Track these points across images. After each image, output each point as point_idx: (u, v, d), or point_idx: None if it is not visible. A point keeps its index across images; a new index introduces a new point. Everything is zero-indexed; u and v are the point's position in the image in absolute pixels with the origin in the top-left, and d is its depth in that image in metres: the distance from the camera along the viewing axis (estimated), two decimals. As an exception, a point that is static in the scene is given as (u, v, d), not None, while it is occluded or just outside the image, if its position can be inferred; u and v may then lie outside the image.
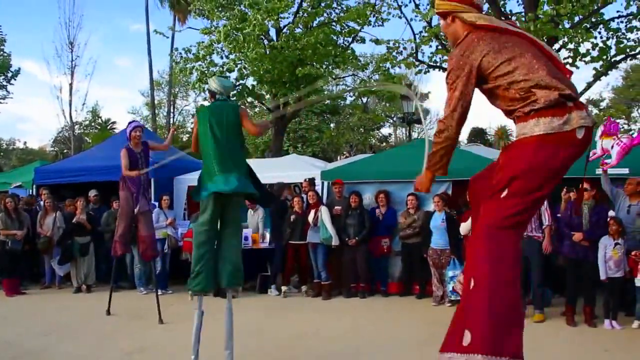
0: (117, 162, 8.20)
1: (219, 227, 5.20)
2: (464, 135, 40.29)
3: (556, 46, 12.26)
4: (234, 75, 17.53)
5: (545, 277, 7.78)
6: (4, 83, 28.04)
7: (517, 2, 13.88)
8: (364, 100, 35.46)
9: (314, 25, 17.22)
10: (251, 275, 10.14)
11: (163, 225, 10.04)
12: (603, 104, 35.69)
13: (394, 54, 14.96)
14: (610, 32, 13.31)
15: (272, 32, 17.44)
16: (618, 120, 34.04)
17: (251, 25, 15.19)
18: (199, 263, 5.03)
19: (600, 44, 13.22)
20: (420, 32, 14.72)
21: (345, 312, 8.39)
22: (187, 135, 38.96)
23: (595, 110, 33.59)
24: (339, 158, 31.40)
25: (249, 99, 19.67)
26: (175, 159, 9.00)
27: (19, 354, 6.32)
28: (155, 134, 20.44)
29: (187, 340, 5.15)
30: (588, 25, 12.83)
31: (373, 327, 7.44)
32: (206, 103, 5.55)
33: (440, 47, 14.41)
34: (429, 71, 15.25)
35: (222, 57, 17.37)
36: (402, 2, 14.99)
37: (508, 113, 3.18)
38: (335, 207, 9.64)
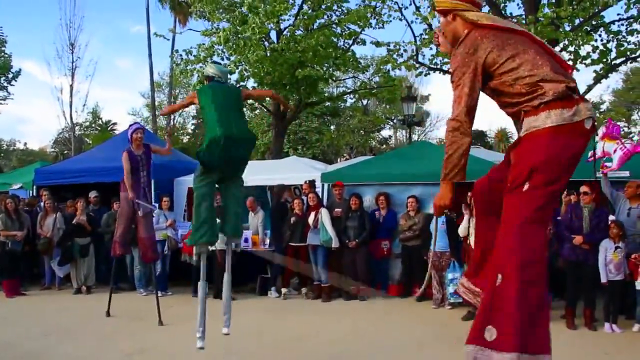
0: (117, 164, 8.20)
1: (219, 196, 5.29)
2: (463, 138, 40.26)
3: (556, 49, 12.25)
4: (234, 77, 17.55)
5: (545, 279, 7.76)
6: (5, 84, 28.05)
7: (518, 4, 13.90)
8: (364, 102, 35.47)
9: (315, 27, 17.23)
10: (251, 277, 10.15)
11: (163, 226, 10.04)
12: (603, 107, 35.73)
13: (394, 56, 15.00)
14: (611, 35, 13.34)
15: (273, 34, 17.45)
16: (618, 123, 34.17)
17: (250, 28, 15.19)
18: (201, 215, 5.01)
19: (601, 47, 13.25)
20: (421, 34, 14.77)
21: (345, 314, 8.39)
22: (188, 137, 39.05)
23: (595, 113, 33.57)
24: (339, 160, 31.41)
25: (249, 101, 19.67)
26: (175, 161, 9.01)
27: (18, 355, 6.32)
28: (155, 135, 20.41)
29: (187, 341, 5.16)
30: (588, 28, 12.86)
31: (373, 330, 7.44)
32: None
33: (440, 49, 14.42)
34: (429, 73, 15.29)
35: (222, 59, 17.36)
36: (402, 5, 15.06)
37: (512, 107, 3.18)
38: (336, 209, 9.64)
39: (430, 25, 14.24)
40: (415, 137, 28.68)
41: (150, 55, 29.82)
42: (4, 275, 10.07)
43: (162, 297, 8.35)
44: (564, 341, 6.79)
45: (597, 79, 13.49)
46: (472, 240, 7.87)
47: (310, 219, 9.46)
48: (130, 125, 8.34)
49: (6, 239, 10.00)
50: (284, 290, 9.69)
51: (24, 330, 7.51)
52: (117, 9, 67.10)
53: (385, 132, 42.75)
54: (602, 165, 7.60)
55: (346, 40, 18.09)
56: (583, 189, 7.40)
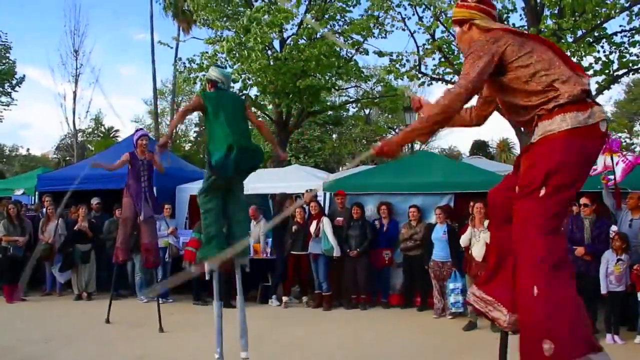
0: (119, 171, 8.25)
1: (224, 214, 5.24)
2: (465, 148, 40.40)
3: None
4: (237, 85, 17.62)
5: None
6: (9, 90, 28.14)
7: (520, 15, 13.95)
8: (367, 111, 35.53)
9: (318, 36, 17.30)
10: (252, 285, 10.13)
11: (165, 234, 10.05)
12: (605, 118, 35.65)
13: (397, 66, 15.04)
14: (613, 47, 13.39)
15: (276, 44, 17.53)
16: (620, 134, 34.18)
17: (253, 38, 15.25)
18: (210, 229, 5.04)
19: (603, 58, 13.29)
20: (424, 44, 14.82)
21: (346, 323, 8.37)
22: (189, 144, 39.11)
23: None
24: (341, 169, 31.42)
25: (252, 109, 19.74)
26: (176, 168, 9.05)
27: (19, 361, 6.32)
28: (156, 141, 20.46)
29: (188, 348, 5.17)
30: (591, 40, 12.91)
31: (374, 339, 7.42)
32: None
33: (443, 59, 14.49)
34: (432, 83, 15.32)
35: (226, 67, 17.41)
36: (405, 15, 15.09)
37: (525, 113, 3.17)
38: (337, 218, 9.64)
39: (432, 35, 14.30)
40: (417, 147, 28.66)
41: (153, 62, 29.92)
42: (4, 281, 10.07)
43: (162, 304, 8.34)
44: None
45: (600, 90, 13.52)
46: (473, 250, 7.89)
47: (312, 228, 9.46)
48: (136, 131, 8.42)
49: (8, 244, 10.01)
50: (285, 298, 9.68)
51: (24, 335, 7.49)
52: (121, 17, 67.44)
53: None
54: (605, 178, 7.61)
55: (349, 50, 18.16)
56: (583, 200, 7.40)
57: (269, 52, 16.95)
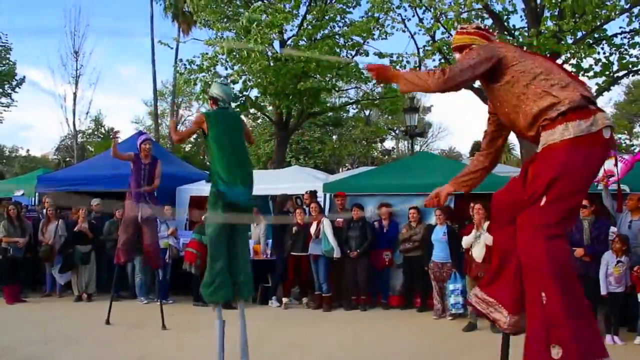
0: (119, 172, 8.28)
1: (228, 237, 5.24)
2: (465, 149, 40.42)
3: (559, 61, 12.32)
4: (238, 86, 17.62)
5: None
6: (9, 91, 28.14)
7: (521, 17, 13.94)
8: (367, 113, 35.54)
9: (318, 38, 17.30)
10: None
11: (165, 235, 10.06)
12: (605, 120, 35.66)
13: (397, 67, 15.03)
14: (613, 48, 13.38)
15: (276, 45, 17.53)
16: (620, 136, 34.19)
17: (253, 40, 15.25)
18: (218, 273, 5.03)
19: (603, 60, 13.29)
20: (424, 46, 14.82)
21: (345, 324, 8.37)
22: (190, 145, 39.07)
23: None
24: (341, 170, 31.42)
25: (252, 110, 19.73)
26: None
27: (19, 362, 6.32)
28: (158, 143, 20.46)
29: (189, 348, 5.15)
30: (591, 41, 12.90)
31: (374, 340, 7.42)
32: (203, 109, 5.60)
33: (443, 60, 14.48)
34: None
35: (226, 69, 17.45)
36: (405, 17, 15.08)
37: (530, 126, 3.18)
38: (337, 220, 9.64)
39: (432, 37, 14.30)
40: (417, 148, 28.71)
41: (153, 63, 29.93)
42: (4, 282, 10.08)
43: (163, 305, 8.33)
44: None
45: (599, 92, 13.50)
46: (474, 251, 7.89)
47: (312, 229, 9.47)
48: (140, 135, 8.43)
49: (8, 246, 10.02)
50: (284, 299, 9.69)
51: (24, 336, 7.49)
52: (122, 18, 67.41)
53: (388, 143, 42.87)
54: (606, 182, 7.63)
55: (349, 51, 18.17)
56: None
57: (269, 53, 16.93)
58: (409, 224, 9.36)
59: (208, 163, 6.48)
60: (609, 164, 7.47)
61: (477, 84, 12.89)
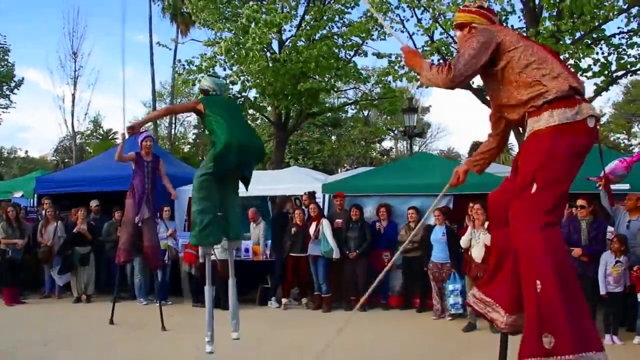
0: (118, 173, 8.28)
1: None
2: (464, 149, 40.45)
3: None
4: (236, 87, 17.63)
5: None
6: (7, 92, 28.11)
7: (519, 17, 13.96)
8: (365, 113, 35.57)
9: (317, 38, 17.31)
10: (251, 287, 10.13)
11: (164, 236, 10.04)
12: (604, 119, 35.77)
13: (395, 67, 15.05)
14: (612, 48, 13.40)
15: (275, 45, 17.53)
16: (618, 135, 34.19)
17: (251, 39, 15.26)
18: (206, 214, 4.92)
19: (602, 60, 13.30)
20: (422, 46, 14.80)
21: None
22: (188, 147, 39.10)
23: (598, 112, 33.61)
24: (339, 171, 31.42)
25: (250, 111, 19.75)
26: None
27: (18, 364, 6.32)
28: (157, 144, 20.47)
29: (188, 349, 5.15)
30: (589, 41, 12.92)
31: (373, 340, 7.42)
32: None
33: (441, 61, 14.49)
34: (430, 85, 15.29)
35: (225, 69, 17.45)
36: (404, 17, 15.08)
37: (516, 109, 3.23)
38: (337, 220, 9.65)
39: (431, 37, 14.31)
40: (416, 148, 28.72)
41: (152, 64, 30.00)
42: (3, 284, 10.07)
43: (162, 306, 8.33)
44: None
45: (598, 92, 13.52)
46: (473, 251, 7.89)
47: (311, 230, 9.47)
48: (141, 133, 8.42)
49: (7, 247, 10.01)
50: (284, 300, 9.68)
51: (23, 338, 7.50)
52: (120, 19, 67.36)
53: (386, 143, 42.90)
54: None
55: (348, 52, 18.18)
56: (580, 202, 7.40)
57: (268, 54, 16.94)
58: (407, 224, 9.36)
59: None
60: (609, 166, 7.46)
61: (477, 83, 12.92)
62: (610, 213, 7.83)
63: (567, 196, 3.35)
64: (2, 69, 27.51)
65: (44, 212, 11.00)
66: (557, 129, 3.03)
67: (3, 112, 28.82)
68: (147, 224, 8.07)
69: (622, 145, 34.61)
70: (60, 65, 29.74)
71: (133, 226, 8.07)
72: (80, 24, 31.74)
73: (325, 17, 17.16)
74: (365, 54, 17.94)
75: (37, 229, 10.56)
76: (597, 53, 13.30)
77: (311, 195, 10.12)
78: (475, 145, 36.51)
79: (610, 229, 7.60)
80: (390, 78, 16.17)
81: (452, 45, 14.08)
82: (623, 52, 13.39)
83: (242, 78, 17.37)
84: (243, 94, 18.01)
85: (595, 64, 13.27)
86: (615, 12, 12.29)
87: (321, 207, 10.03)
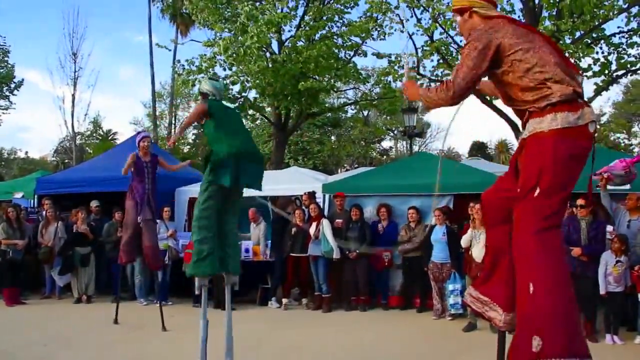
0: (118, 173, 8.27)
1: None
2: (464, 149, 40.45)
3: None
4: (236, 88, 17.62)
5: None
6: (7, 93, 28.13)
7: (519, 17, 13.95)
8: (365, 113, 35.57)
9: (316, 38, 17.31)
10: (251, 287, 10.13)
11: (164, 236, 10.05)
12: (604, 119, 35.79)
13: (395, 67, 15.06)
14: (612, 48, 13.41)
15: (275, 46, 17.53)
16: (618, 135, 34.18)
17: (250, 37, 15.25)
18: (206, 245, 4.90)
19: (602, 59, 13.31)
20: (422, 46, 14.82)
21: (345, 325, 8.37)
22: (188, 147, 39.08)
23: (598, 118, 33.62)
24: (339, 171, 31.43)
25: (251, 111, 19.75)
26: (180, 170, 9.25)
27: (18, 364, 6.32)
28: (156, 145, 20.48)
29: (188, 349, 5.15)
30: (589, 41, 12.93)
31: (373, 341, 7.42)
32: None
33: (441, 61, 14.51)
34: (430, 85, 15.30)
35: (224, 69, 17.45)
36: (404, 17, 15.07)
37: (516, 104, 3.22)
38: (337, 220, 9.64)
39: (431, 37, 14.32)
40: (415, 148, 28.72)
41: (152, 64, 30.04)
42: (4, 284, 10.07)
43: (163, 306, 8.33)
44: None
45: (598, 91, 13.54)
46: (473, 251, 7.89)
47: (312, 230, 9.47)
48: (138, 133, 8.49)
49: (7, 248, 10.01)
50: (284, 300, 9.68)
51: (23, 338, 7.49)
52: (120, 19, 67.47)
53: (386, 143, 42.91)
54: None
55: (347, 52, 18.18)
56: (579, 202, 7.40)
57: (268, 54, 16.94)
58: (407, 224, 9.36)
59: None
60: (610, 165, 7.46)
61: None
62: (610, 213, 7.83)
63: (568, 200, 3.35)
64: (2, 70, 27.56)
65: (44, 212, 11.00)
66: (559, 132, 3.01)
67: (3, 113, 28.92)
68: (147, 224, 8.07)
69: (622, 145, 34.60)
70: (60, 65, 29.80)
71: (134, 227, 8.09)
72: (80, 25, 31.86)
73: (324, 17, 17.15)
74: (365, 54, 17.94)
75: (37, 230, 10.57)
76: (597, 52, 13.32)
77: (311, 195, 10.12)
78: (476, 145, 36.57)
79: (609, 228, 7.59)
80: (390, 78, 16.18)
81: (452, 45, 14.09)
82: (623, 51, 13.40)
83: (242, 78, 17.37)
84: (243, 94, 18.02)
85: (595, 64, 13.29)
86: (615, 12, 12.31)
87: (321, 207, 10.03)
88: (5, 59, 27.76)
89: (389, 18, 15.25)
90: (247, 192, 5.48)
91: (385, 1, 14.64)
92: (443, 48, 14.17)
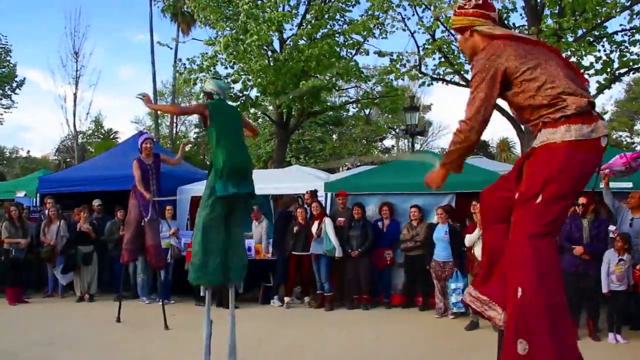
0: (120, 172, 8.32)
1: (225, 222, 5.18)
2: (465, 148, 40.32)
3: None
4: (238, 86, 17.61)
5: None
6: (9, 92, 28.14)
7: (521, 15, 13.95)
8: (367, 111, 35.53)
9: (318, 37, 17.29)
10: (254, 286, 10.13)
11: (166, 235, 10.04)
12: (606, 117, 35.55)
13: (397, 66, 15.03)
14: (614, 46, 13.39)
15: (276, 44, 17.52)
16: (620, 133, 34.11)
17: (250, 36, 15.24)
18: (209, 255, 4.91)
19: (604, 57, 13.28)
20: (424, 44, 14.81)
21: (347, 323, 8.36)
22: (190, 146, 39.08)
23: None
24: (341, 169, 31.40)
25: (252, 110, 19.75)
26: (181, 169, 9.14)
27: (21, 363, 6.32)
28: (158, 143, 20.49)
29: (191, 348, 5.16)
30: (591, 39, 12.90)
31: (375, 339, 7.42)
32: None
33: (443, 59, 14.49)
34: (432, 83, 15.31)
35: (226, 68, 17.44)
36: (405, 15, 15.07)
37: (532, 121, 3.19)
38: (339, 219, 9.64)
39: (432, 35, 14.30)
40: (417, 147, 28.71)
41: (153, 63, 29.96)
42: (7, 283, 10.09)
43: (165, 305, 8.33)
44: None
45: (600, 90, 13.52)
46: (477, 250, 7.86)
47: (314, 228, 9.46)
48: (141, 135, 8.47)
49: (10, 247, 10.02)
50: (286, 299, 9.68)
51: (26, 337, 7.51)
52: (121, 18, 67.49)
53: (388, 142, 42.85)
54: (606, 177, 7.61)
55: (349, 50, 18.16)
56: (581, 200, 7.38)
57: (269, 53, 16.93)
58: (410, 223, 9.35)
59: (208, 162, 6.49)
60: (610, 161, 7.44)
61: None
62: (612, 211, 7.82)
63: (569, 209, 3.35)
64: (3, 70, 27.55)
65: (46, 211, 11.01)
66: (572, 144, 2.98)
67: (5, 112, 28.92)
68: (150, 223, 8.08)
69: (625, 142, 34.56)
70: (61, 65, 29.87)
71: (136, 226, 8.09)
72: (82, 24, 31.86)
73: (326, 16, 17.13)
74: (367, 53, 17.93)
75: (40, 229, 10.60)
76: (600, 51, 13.29)
77: (313, 193, 10.12)
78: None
79: (611, 227, 7.57)
80: (392, 76, 16.16)
81: (454, 43, 14.07)
82: (625, 49, 13.37)
83: (243, 77, 17.36)
84: (244, 92, 18.01)
85: (597, 62, 13.26)
86: (618, 10, 12.27)
87: (324, 205, 10.02)
88: (7, 58, 27.74)
89: (391, 16, 15.22)
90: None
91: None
92: (445, 46, 14.15)
